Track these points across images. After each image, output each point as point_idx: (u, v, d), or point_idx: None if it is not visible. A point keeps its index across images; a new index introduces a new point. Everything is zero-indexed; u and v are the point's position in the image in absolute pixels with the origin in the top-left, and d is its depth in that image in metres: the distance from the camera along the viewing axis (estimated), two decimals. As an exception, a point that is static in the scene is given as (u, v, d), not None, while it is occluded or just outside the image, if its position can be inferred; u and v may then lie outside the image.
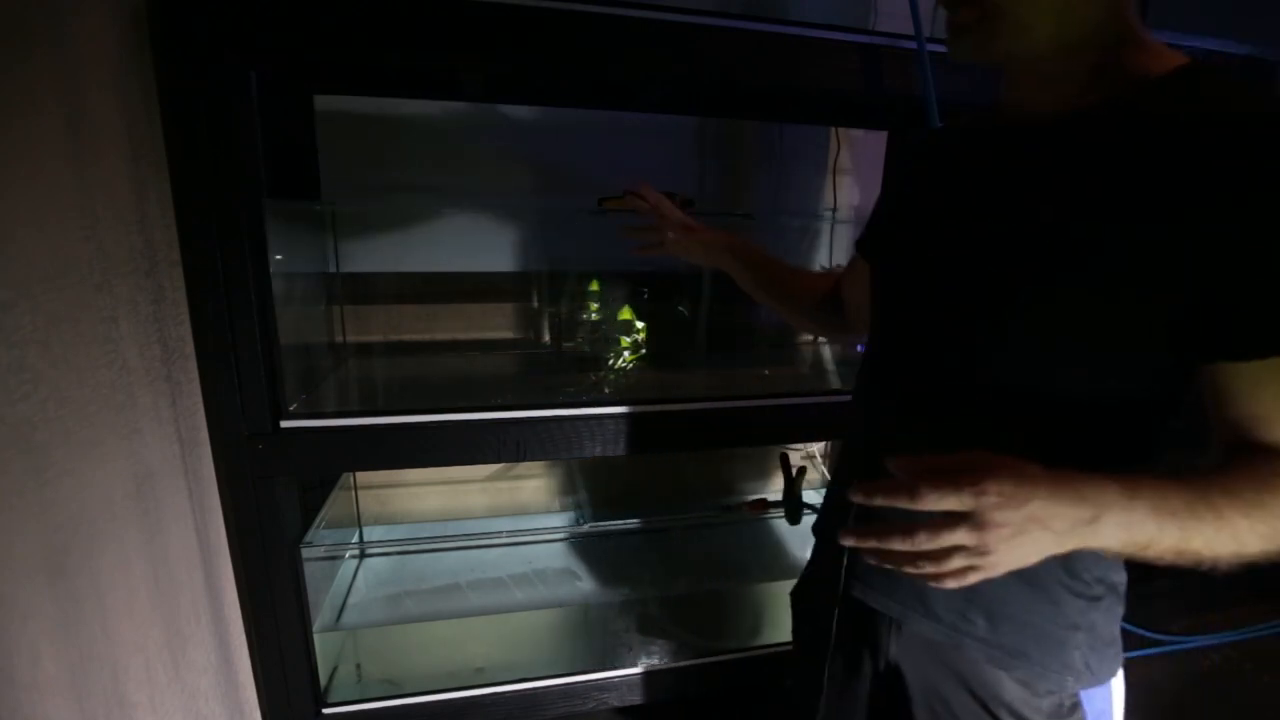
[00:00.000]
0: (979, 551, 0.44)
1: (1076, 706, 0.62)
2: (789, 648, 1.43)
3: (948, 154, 0.69)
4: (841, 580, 0.72)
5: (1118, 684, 0.65)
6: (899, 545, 0.46)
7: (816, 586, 0.82)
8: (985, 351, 0.58)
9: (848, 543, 0.49)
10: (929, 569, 0.46)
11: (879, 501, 0.47)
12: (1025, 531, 0.44)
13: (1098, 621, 0.62)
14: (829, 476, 1.95)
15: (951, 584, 0.47)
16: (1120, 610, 0.64)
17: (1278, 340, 0.47)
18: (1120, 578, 0.63)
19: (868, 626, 0.70)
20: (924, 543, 0.45)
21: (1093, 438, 0.56)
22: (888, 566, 0.48)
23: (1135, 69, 0.53)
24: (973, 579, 0.46)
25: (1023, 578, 0.57)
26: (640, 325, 1.55)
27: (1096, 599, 0.61)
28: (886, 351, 0.70)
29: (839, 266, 1.62)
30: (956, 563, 0.45)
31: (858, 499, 0.48)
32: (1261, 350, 0.47)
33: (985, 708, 0.63)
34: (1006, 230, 0.57)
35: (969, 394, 0.60)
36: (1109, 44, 0.54)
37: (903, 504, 0.45)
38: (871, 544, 0.48)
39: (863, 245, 0.83)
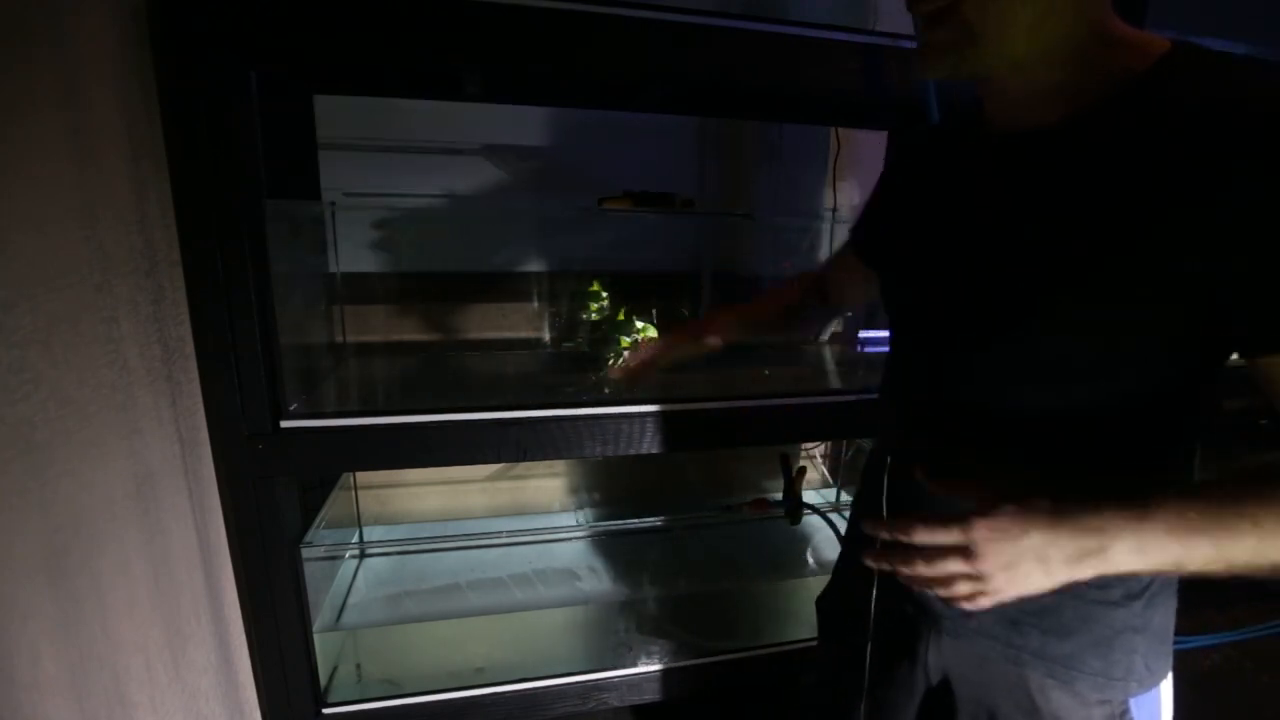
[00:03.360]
0: (977, 578, 0.49)
1: (1126, 713, 0.61)
2: (789, 647, 1.44)
3: (948, 161, 0.67)
4: (874, 588, 0.71)
5: (1166, 685, 0.64)
6: (905, 570, 0.51)
7: (845, 593, 0.81)
8: (1007, 362, 0.58)
9: (869, 563, 0.55)
10: (941, 591, 0.51)
11: (884, 536, 0.53)
12: (1020, 563, 0.48)
13: (1154, 619, 0.61)
14: (828, 478, 1.95)
15: (966, 605, 0.50)
16: (1174, 603, 0.63)
17: None
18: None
19: (905, 636, 0.69)
20: (923, 570, 0.50)
21: (1118, 442, 0.56)
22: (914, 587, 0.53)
23: (1120, 67, 0.52)
24: (984, 603, 0.50)
25: (1075, 587, 0.57)
26: (641, 325, 1.55)
27: (1153, 597, 0.60)
28: (908, 361, 0.70)
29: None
30: (962, 588, 0.50)
31: (868, 531, 0.54)
32: None
33: None
34: (1020, 244, 0.56)
35: (992, 404, 0.60)
36: (1086, 49, 0.53)
37: (903, 538, 0.51)
38: (885, 567, 0.53)
39: (859, 243, 0.84)
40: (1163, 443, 0.56)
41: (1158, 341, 0.51)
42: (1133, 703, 0.61)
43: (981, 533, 0.48)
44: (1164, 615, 0.61)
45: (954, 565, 0.49)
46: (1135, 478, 0.51)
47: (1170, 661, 0.63)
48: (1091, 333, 0.52)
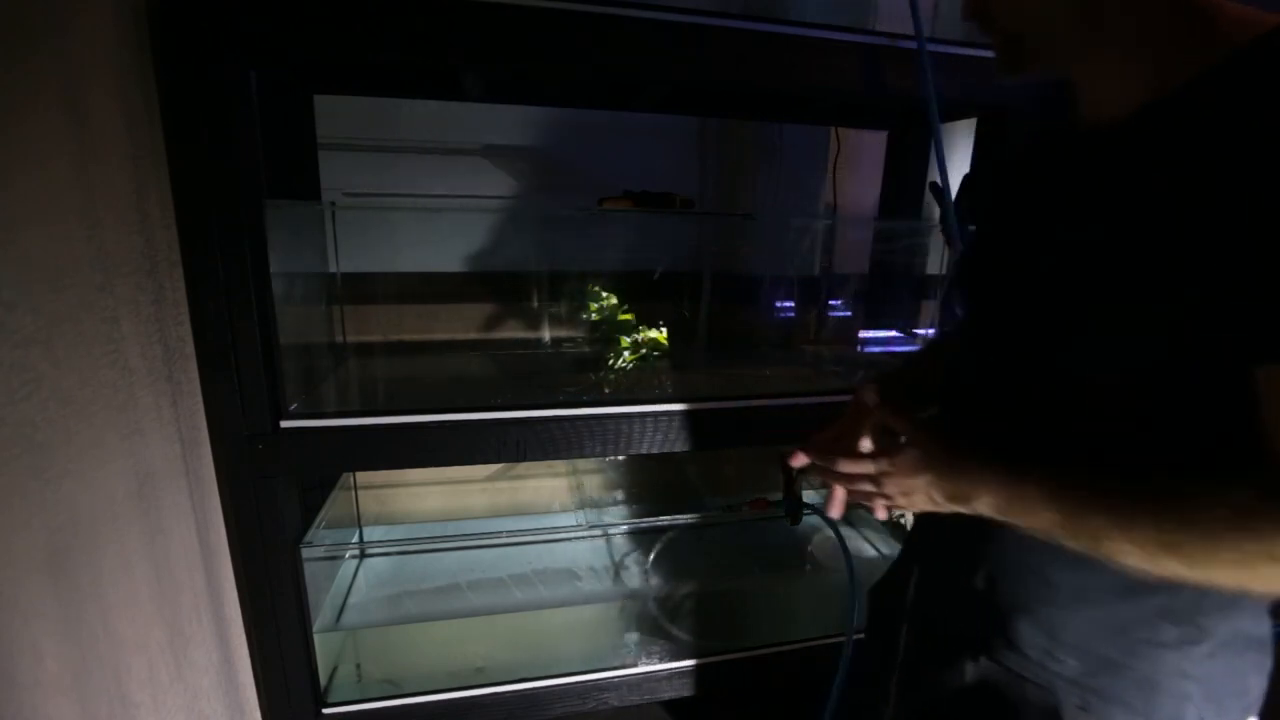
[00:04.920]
0: (882, 497, 0.63)
1: None
2: (789, 647, 1.44)
3: (1032, 165, 0.65)
4: (910, 595, 0.72)
5: None
6: (838, 467, 0.66)
7: (895, 589, 0.79)
8: (1051, 373, 0.56)
9: (796, 462, 0.78)
10: (846, 486, 0.66)
11: (817, 461, 0.72)
12: (912, 494, 0.60)
13: (1215, 672, 0.55)
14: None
15: (876, 508, 0.65)
16: (1262, 660, 0.58)
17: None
18: (1259, 629, 0.56)
19: (945, 646, 0.67)
20: (843, 487, 0.67)
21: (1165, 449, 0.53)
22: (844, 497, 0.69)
23: (1208, 47, 0.46)
24: (878, 506, 0.64)
25: (1119, 620, 0.55)
26: (639, 326, 1.56)
27: (1219, 649, 0.55)
28: (967, 365, 0.69)
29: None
30: (868, 501, 0.64)
31: (795, 462, 0.78)
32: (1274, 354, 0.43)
33: None
34: (1074, 251, 0.53)
35: (1040, 406, 0.58)
36: (1166, 27, 0.47)
37: (832, 467, 0.67)
38: (814, 460, 0.72)
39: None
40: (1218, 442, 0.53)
41: (1202, 359, 0.47)
42: None
43: (883, 466, 0.61)
44: (1232, 670, 0.56)
45: (866, 486, 0.63)
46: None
47: (1246, 718, 0.58)
48: (1141, 349, 0.49)
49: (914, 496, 0.59)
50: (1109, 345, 0.51)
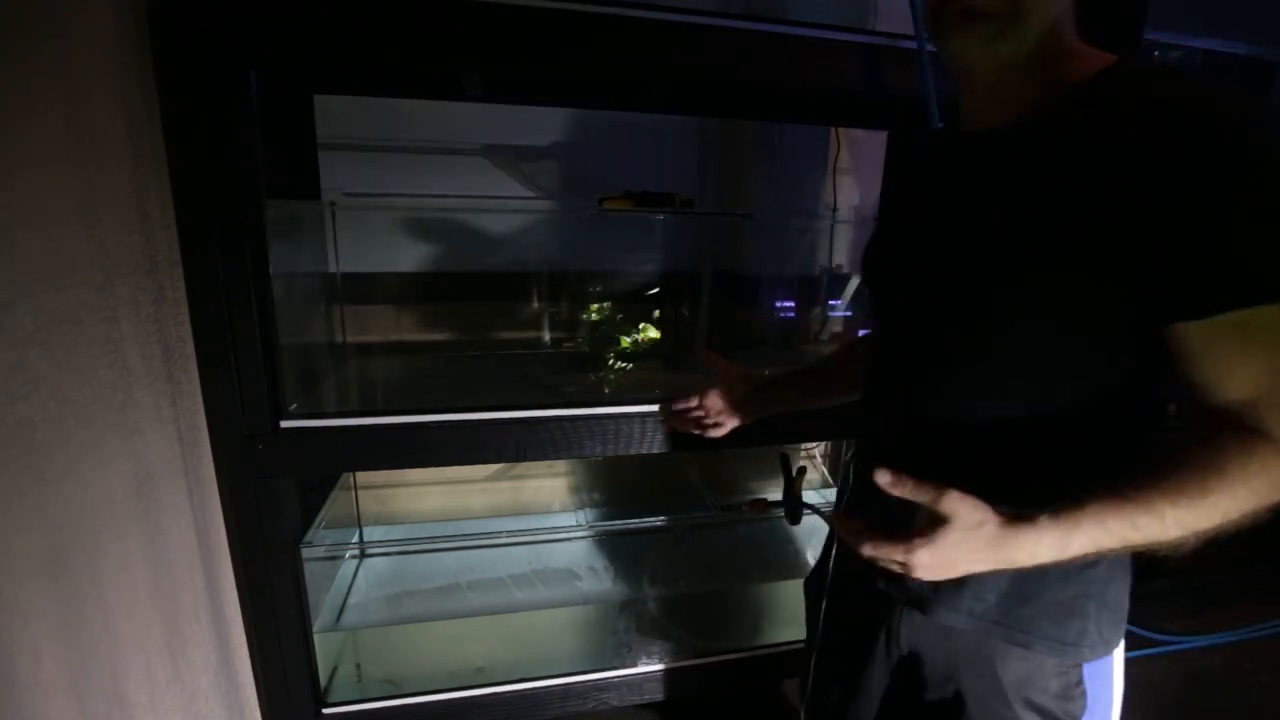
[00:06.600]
0: (908, 569, 0.56)
1: (1079, 686, 0.64)
2: (789, 647, 1.44)
3: (925, 166, 0.74)
4: (831, 561, 0.78)
5: (1118, 654, 0.67)
6: (867, 550, 0.57)
7: (821, 570, 0.86)
8: (962, 358, 0.62)
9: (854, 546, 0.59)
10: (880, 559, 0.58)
11: (844, 537, 0.60)
12: (948, 571, 0.55)
13: (1108, 589, 0.64)
14: (828, 478, 1.96)
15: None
16: (1129, 577, 0.66)
17: (1218, 299, 0.49)
18: None
19: (879, 611, 0.72)
20: (869, 551, 0.57)
21: (1073, 432, 0.60)
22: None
23: (1070, 75, 0.57)
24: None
25: None
26: (641, 325, 1.56)
27: (1110, 568, 0.63)
28: (882, 358, 0.74)
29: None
30: (895, 568, 0.57)
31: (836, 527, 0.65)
32: (1205, 308, 0.50)
33: (997, 691, 0.65)
34: (975, 235, 0.61)
35: (954, 399, 0.64)
36: (1054, 56, 0.58)
37: (857, 549, 0.58)
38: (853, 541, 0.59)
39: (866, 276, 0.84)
40: (1117, 440, 0.60)
41: (1099, 324, 0.55)
42: (1086, 669, 0.64)
43: (921, 557, 0.54)
44: (1119, 586, 0.65)
45: (895, 568, 0.57)
46: (1088, 474, 0.54)
47: (1123, 630, 0.67)
48: (1043, 318, 0.57)
49: (946, 573, 0.55)
50: (1044, 313, 0.56)
